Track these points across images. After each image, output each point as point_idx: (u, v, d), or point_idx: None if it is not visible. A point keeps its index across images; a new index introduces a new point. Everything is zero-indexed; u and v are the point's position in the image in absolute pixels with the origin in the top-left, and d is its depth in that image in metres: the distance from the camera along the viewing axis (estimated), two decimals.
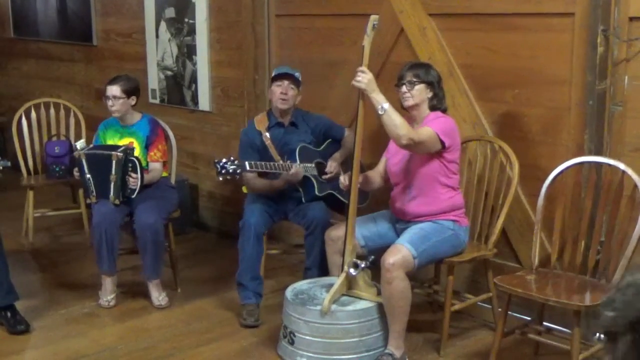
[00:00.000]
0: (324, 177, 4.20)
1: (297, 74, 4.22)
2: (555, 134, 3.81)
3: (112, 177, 4.20)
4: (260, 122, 4.30)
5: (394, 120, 3.41)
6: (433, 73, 3.66)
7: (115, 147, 4.30)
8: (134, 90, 4.42)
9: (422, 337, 3.91)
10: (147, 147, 4.43)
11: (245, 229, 4.07)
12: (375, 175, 3.87)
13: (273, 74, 4.25)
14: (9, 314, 4.02)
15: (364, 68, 3.46)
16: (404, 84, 3.62)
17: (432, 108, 3.66)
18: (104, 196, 4.24)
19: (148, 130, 4.45)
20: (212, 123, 5.64)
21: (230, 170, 3.93)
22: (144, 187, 4.27)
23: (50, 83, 7.26)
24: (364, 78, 3.44)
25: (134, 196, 4.24)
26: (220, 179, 3.96)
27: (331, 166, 4.23)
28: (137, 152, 4.34)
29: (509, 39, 3.92)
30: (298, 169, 4.08)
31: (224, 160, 3.94)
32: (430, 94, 3.64)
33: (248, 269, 4.08)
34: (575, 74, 3.65)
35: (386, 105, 3.41)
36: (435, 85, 3.64)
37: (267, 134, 4.24)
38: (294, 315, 3.59)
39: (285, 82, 4.16)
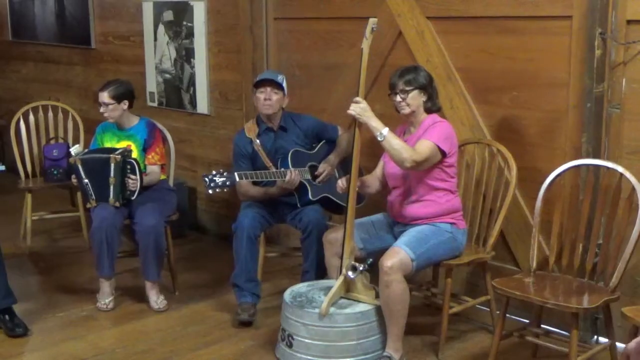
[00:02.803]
0: (317, 180, 4.21)
1: (279, 77, 4.21)
2: (553, 136, 3.81)
3: (111, 179, 4.20)
4: (250, 129, 4.29)
5: (394, 145, 3.44)
6: (423, 75, 3.65)
7: (111, 150, 4.30)
8: (124, 94, 4.40)
9: (420, 340, 3.91)
10: (144, 150, 4.44)
11: (238, 231, 4.07)
12: (373, 179, 3.88)
13: (254, 81, 4.23)
14: (7, 317, 4.02)
15: (358, 98, 3.49)
16: (397, 93, 3.62)
17: (427, 110, 3.67)
18: (104, 199, 4.24)
19: (146, 134, 4.46)
20: (211, 126, 5.64)
21: (220, 183, 3.92)
22: (143, 189, 4.28)
23: (49, 86, 7.27)
24: (357, 107, 3.46)
25: (133, 198, 4.24)
26: (210, 192, 3.93)
27: (322, 168, 4.23)
28: (135, 155, 4.34)
29: (506, 42, 3.93)
30: (293, 175, 4.08)
31: (213, 173, 3.93)
32: (424, 98, 3.65)
33: (243, 272, 4.09)
34: (573, 77, 3.66)
35: (385, 131, 3.44)
36: (427, 88, 3.65)
37: (257, 141, 4.24)
38: (292, 318, 3.59)
39: (268, 88, 4.16)
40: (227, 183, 3.94)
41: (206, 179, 3.92)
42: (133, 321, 4.22)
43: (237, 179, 3.99)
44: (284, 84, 4.21)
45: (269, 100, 4.16)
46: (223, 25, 5.39)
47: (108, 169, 4.20)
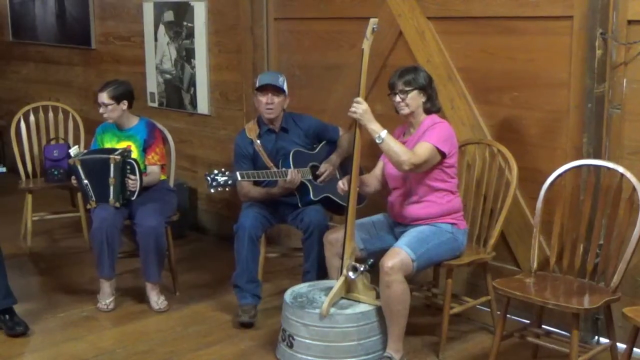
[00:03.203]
0: (319, 180, 4.21)
1: (280, 79, 4.20)
2: (554, 137, 3.81)
3: (111, 180, 4.20)
4: (251, 130, 4.29)
5: (392, 148, 3.45)
6: (423, 75, 3.65)
7: (111, 150, 4.30)
8: (123, 95, 4.39)
9: (420, 341, 3.90)
10: (144, 151, 4.43)
11: (240, 232, 4.07)
12: (372, 178, 3.87)
13: (256, 85, 4.22)
14: (7, 317, 4.02)
15: (359, 99, 3.48)
16: (397, 93, 3.62)
17: (427, 111, 3.67)
18: (104, 200, 4.24)
19: (145, 134, 4.45)
20: (211, 126, 5.64)
21: (222, 182, 3.92)
22: (143, 190, 4.27)
23: (49, 86, 7.27)
24: (359, 108, 3.46)
25: (133, 198, 4.24)
26: (212, 191, 3.94)
27: (324, 168, 4.23)
28: (134, 156, 4.34)
29: (507, 42, 3.92)
30: (294, 174, 4.08)
31: (215, 172, 3.93)
32: (423, 98, 3.64)
33: (244, 272, 4.08)
34: (574, 77, 3.66)
35: (383, 134, 3.44)
36: (427, 88, 3.64)
37: (258, 142, 4.24)
38: (293, 318, 3.58)
39: (270, 93, 4.15)
40: (229, 182, 3.95)
41: (208, 177, 3.92)
42: (134, 322, 4.22)
43: (239, 177, 3.99)
44: (285, 86, 4.20)
45: (271, 104, 4.16)
46: (223, 25, 5.39)
47: (107, 169, 4.19)
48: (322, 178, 4.21)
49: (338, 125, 4.42)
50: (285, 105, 4.25)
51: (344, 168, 4.30)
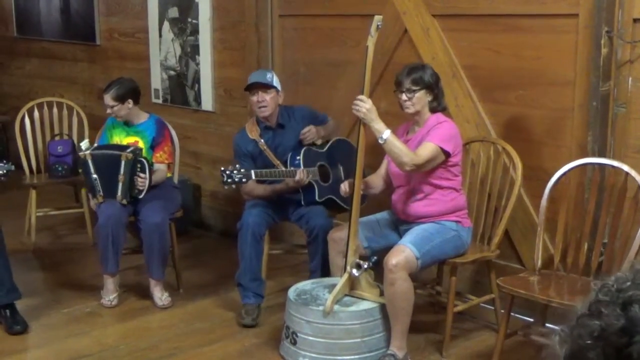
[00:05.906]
0: (301, 137, 4.22)
1: (268, 76, 4.19)
2: (559, 135, 3.80)
3: (121, 177, 4.19)
4: (252, 130, 4.28)
5: (394, 148, 3.44)
6: (430, 74, 3.63)
7: (122, 147, 4.30)
8: (126, 94, 4.39)
9: (424, 338, 3.90)
10: (152, 148, 4.43)
11: (243, 229, 4.07)
12: (377, 178, 3.87)
13: (246, 85, 4.22)
14: (8, 313, 4.01)
15: (363, 97, 3.46)
16: (403, 91, 3.60)
17: (432, 110, 3.66)
18: (111, 196, 4.24)
19: (154, 132, 4.45)
20: (215, 123, 5.64)
21: (237, 179, 3.93)
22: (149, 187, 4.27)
23: (53, 82, 7.26)
24: (363, 107, 3.44)
25: (141, 196, 4.23)
26: (226, 187, 3.97)
27: (307, 128, 4.24)
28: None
29: (512, 40, 3.91)
30: (302, 175, 4.07)
31: (230, 168, 3.94)
32: (430, 97, 3.63)
33: (247, 270, 4.08)
34: (579, 75, 3.65)
35: (386, 134, 3.43)
36: (434, 87, 3.63)
37: (262, 141, 4.23)
38: (297, 315, 3.58)
39: (259, 92, 4.14)
40: (243, 180, 3.96)
41: (224, 173, 3.91)
42: (137, 318, 4.23)
43: (254, 176, 3.99)
44: (274, 81, 4.19)
45: (262, 102, 4.15)
46: (228, 22, 5.38)
47: (118, 166, 4.19)
48: (304, 137, 4.21)
49: (332, 118, 4.45)
50: (280, 101, 4.23)
51: (348, 168, 4.29)
